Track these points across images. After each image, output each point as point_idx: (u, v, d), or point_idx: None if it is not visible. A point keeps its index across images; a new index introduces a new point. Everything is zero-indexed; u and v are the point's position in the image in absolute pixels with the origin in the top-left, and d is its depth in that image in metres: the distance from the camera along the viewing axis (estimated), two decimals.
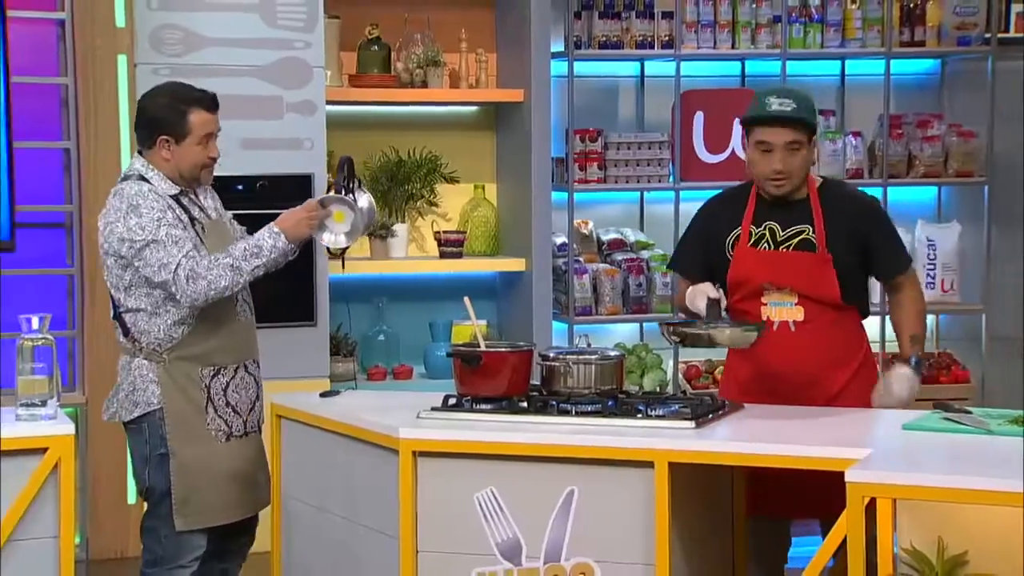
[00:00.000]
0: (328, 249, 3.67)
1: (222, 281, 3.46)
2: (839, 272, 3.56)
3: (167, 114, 3.54)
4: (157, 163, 3.56)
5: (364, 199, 3.65)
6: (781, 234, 3.59)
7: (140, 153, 3.61)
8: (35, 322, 3.31)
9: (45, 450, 3.22)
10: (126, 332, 3.55)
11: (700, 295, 3.53)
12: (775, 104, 3.53)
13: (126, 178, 3.58)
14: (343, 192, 3.59)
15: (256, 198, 5.06)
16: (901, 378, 3.57)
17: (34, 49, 5.07)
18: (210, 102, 3.59)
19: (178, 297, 3.46)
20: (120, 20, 4.96)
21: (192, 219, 3.58)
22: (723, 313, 3.56)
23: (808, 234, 3.57)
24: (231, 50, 5.05)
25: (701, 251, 3.72)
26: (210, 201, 3.70)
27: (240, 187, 5.04)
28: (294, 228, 3.54)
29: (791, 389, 3.57)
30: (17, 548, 3.20)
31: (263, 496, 3.74)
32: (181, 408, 3.52)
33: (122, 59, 4.96)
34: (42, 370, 3.26)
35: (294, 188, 5.10)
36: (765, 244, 3.60)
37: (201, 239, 3.56)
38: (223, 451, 3.58)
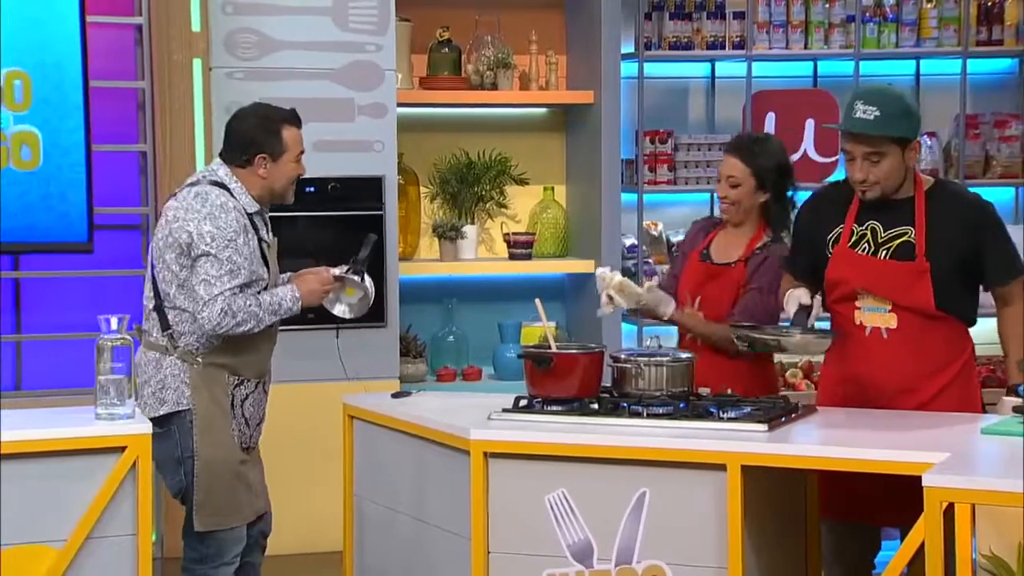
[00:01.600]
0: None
1: (245, 326, 3.55)
2: (938, 279, 3.45)
3: (262, 133, 3.63)
4: (249, 180, 3.61)
5: (369, 281, 3.79)
6: (883, 235, 3.50)
7: (230, 167, 3.64)
8: (114, 322, 3.36)
9: (123, 449, 3.27)
10: (165, 327, 3.58)
11: (793, 300, 3.49)
12: (859, 111, 3.42)
13: (203, 181, 3.61)
14: (362, 268, 3.75)
15: (328, 200, 5.11)
16: (1011, 409, 3.40)
17: (112, 54, 5.15)
18: (298, 120, 3.69)
19: (200, 318, 3.51)
20: (196, 24, 5.03)
21: (260, 239, 3.64)
22: (811, 320, 3.50)
23: (909, 236, 3.47)
24: (304, 53, 5.10)
25: (806, 249, 3.64)
26: (267, 222, 3.76)
27: (312, 189, 5.08)
28: (308, 297, 3.68)
29: (883, 396, 3.50)
30: (96, 546, 3.25)
31: (260, 504, 3.76)
32: (210, 411, 3.56)
33: (197, 63, 5.02)
34: (120, 370, 3.31)
35: (365, 190, 5.14)
36: (865, 244, 3.51)
37: (265, 258, 3.64)
38: (240, 458, 3.63)
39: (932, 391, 3.50)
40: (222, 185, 3.58)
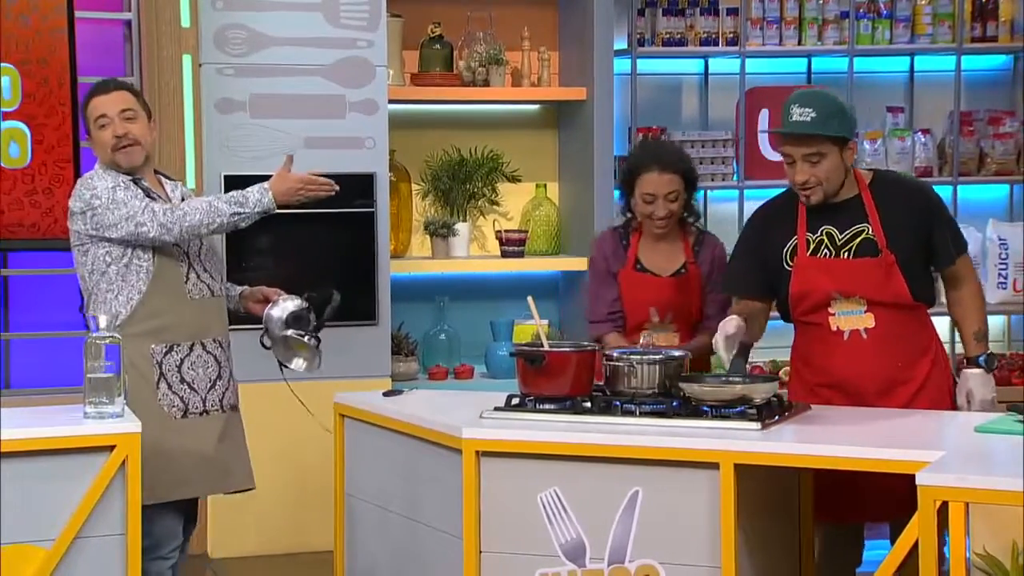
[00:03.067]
0: (281, 364, 3.71)
1: (196, 215, 3.51)
2: (904, 268, 3.49)
3: (82, 109, 3.72)
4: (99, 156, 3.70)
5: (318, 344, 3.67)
6: (840, 237, 3.51)
7: None
8: (102, 321, 3.34)
9: (112, 448, 3.24)
10: (87, 326, 3.58)
11: (724, 344, 3.38)
12: (795, 114, 3.45)
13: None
14: (317, 329, 3.64)
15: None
16: (977, 380, 3.49)
17: (101, 49, 5.13)
18: (103, 88, 3.70)
19: (151, 234, 3.50)
20: (185, 20, 5.00)
21: (150, 196, 3.62)
22: (746, 364, 3.47)
23: (867, 233, 3.49)
24: (295, 49, 5.07)
25: (758, 267, 3.62)
26: (177, 193, 3.75)
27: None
28: (285, 194, 3.60)
29: (869, 395, 3.51)
30: (85, 545, 3.23)
31: (233, 479, 3.69)
32: (130, 383, 3.50)
33: (187, 59, 5.00)
34: (110, 368, 3.28)
35: (356, 187, 5.11)
36: (825, 250, 3.52)
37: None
38: (177, 427, 3.59)
39: (917, 383, 3.52)
40: (97, 166, 3.67)
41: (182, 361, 3.62)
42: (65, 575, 3.20)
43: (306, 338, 3.63)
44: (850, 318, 3.49)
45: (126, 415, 3.34)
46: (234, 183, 5.01)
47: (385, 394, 3.82)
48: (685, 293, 3.89)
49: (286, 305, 3.67)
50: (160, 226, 3.51)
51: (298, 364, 3.68)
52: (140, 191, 3.59)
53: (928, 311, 3.61)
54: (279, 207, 3.60)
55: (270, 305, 3.71)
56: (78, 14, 4.86)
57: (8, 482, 3.18)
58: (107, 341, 3.29)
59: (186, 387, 3.61)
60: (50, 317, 5.04)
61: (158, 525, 3.55)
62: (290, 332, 3.62)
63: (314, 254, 5.11)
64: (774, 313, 3.72)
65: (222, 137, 5.03)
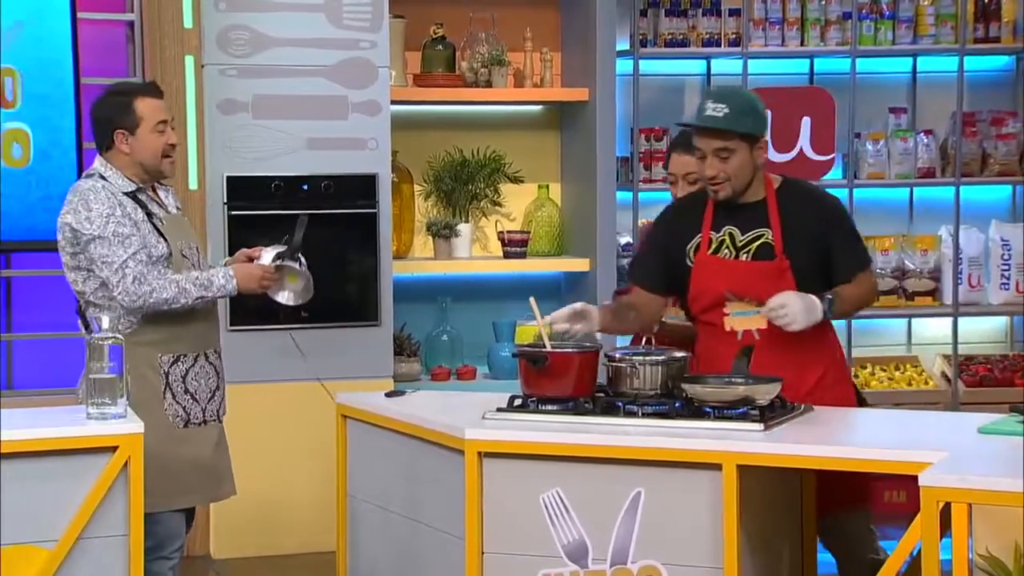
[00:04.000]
0: (292, 307, 3.86)
1: (164, 293, 3.55)
2: (799, 275, 3.50)
3: (115, 109, 3.62)
4: (119, 161, 3.63)
5: (304, 265, 3.79)
6: (740, 238, 3.55)
7: (100, 155, 3.67)
8: (105, 322, 3.34)
9: (115, 449, 3.24)
10: (87, 326, 3.62)
11: (567, 315, 3.45)
12: (709, 109, 3.49)
13: (87, 177, 3.65)
14: (298, 252, 3.75)
15: (321, 198, 5.08)
16: (799, 298, 3.41)
17: (104, 50, 5.13)
18: (154, 90, 3.67)
19: (116, 295, 3.53)
20: (188, 21, 5.00)
21: (149, 213, 3.63)
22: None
23: (767, 237, 3.53)
24: (297, 50, 5.08)
25: (662, 261, 3.64)
26: (171, 199, 3.76)
27: (305, 187, 5.07)
28: (245, 281, 3.67)
29: None
30: (88, 546, 3.23)
31: (225, 488, 3.76)
32: (138, 393, 3.53)
33: (190, 60, 5.00)
34: (112, 369, 3.28)
35: (358, 188, 5.12)
36: (726, 250, 3.56)
37: (160, 232, 3.63)
38: (180, 436, 3.61)
39: (809, 384, 3.52)
40: (101, 176, 3.61)
41: (187, 372, 3.64)
42: (68, 575, 3.21)
43: (288, 262, 3.74)
44: (744, 319, 3.51)
45: (128, 416, 3.34)
46: (236, 184, 5.04)
47: (387, 395, 3.82)
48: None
49: (269, 251, 3.77)
50: (128, 294, 3.52)
51: (284, 297, 3.79)
52: (133, 218, 3.57)
53: (830, 324, 3.59)
54: (240, 293, 3.68)
55: (256, 259, 3.78)
56: (81, 15, 4.86)
57: (11, 483, 3.18)
58: (110, 342, 3.29)
59: (189, 398, 3.64)
60: (52, 318, 5.04)
61: (161, 526, 3.56)
62: (276, 263, 3.74)
63: (316, 255, 5.10)
64: None
65: (225, 138, 5.04)
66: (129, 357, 3.50)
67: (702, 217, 3.59)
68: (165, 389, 3.60)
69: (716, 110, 3.48)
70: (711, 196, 3.56)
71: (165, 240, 3.63)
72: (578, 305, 3.52)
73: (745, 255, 3.54)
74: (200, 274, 3.63)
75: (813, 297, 3.43)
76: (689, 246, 3.60)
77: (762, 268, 3.52)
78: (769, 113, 5.44)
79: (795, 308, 3.40)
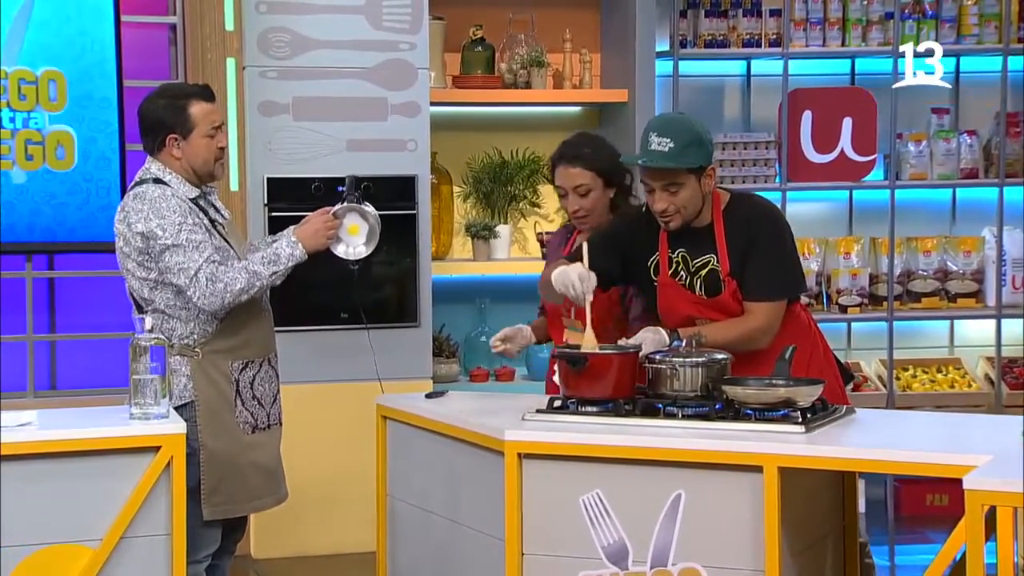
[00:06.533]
0: (347, 260, 3.79)
1: (238, 284, 3.51)
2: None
3: (168, 112, 3.57)
4: (170, 164, 3.59)
5: (371, 209, 3.76)
6: (692, 263, 3.57)
7: (152, 157, 3.62)
8: (148, 322, 3.37)
9: (158, 449, 3.27)
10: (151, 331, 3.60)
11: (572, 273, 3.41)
12: (654, 143, 3.46)
13: (142, 182, 3.60)
14: (351, 198, 3.71)
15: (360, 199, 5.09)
16: (653, 336, 3.44)
17: (146, 53, 5.17)
18: (207, 94, 3.63)
19: (195, 300, 3.50)
20: (229, 24, 5.03)
21: (212, 221, 3.62)
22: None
23: (713, 263, 3.54)
24: (337, 52, 5.10)
25: (616, 257, 3.61)
26: (220, 203, 3.75)
27: (344, 188, 5.07)
28: (312, 239, 3.63)
29: None
30: (130, 545, 3.25)
31: (283, 490, 3.77)
32: (212, 401, 3.56)
33: (231, 62, 5.03)
34: (155, 369, 3.31)
35: (398, 189, 5.13)
36: (683, 272, 3.58)
37: (225, 239, 3.62)
38: (248, 442, 3.63)
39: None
40: (159, 180, 3.58)
41: (254, 378, 3.65)
42: (111, 575, 3.23)
43: (355, 202, 3.73)
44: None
45: (171, 416, 3.36)
46: (276, 185, 5.06)
47: (427, 396, 3.83)
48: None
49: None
50: (205, 296, 3.48)
51: (342, 251, 3.75)
52: (202, 224, 3.55)
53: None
54: (310, 254, 3.63)
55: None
56: (124, 18, 4.90)
57: (54, 482, 3.21)
58: (152, 342, 3.31)
59: (256, 403, 3.66)
60: (96, 318, 5.09)
61: (198, 533, 3.56)
62: (346, 208, 3.71)
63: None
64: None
65: (265, 139, 5.06)
66: (203, 366, 3.55)
67: (659, 233, 3.60)
68: (236, 396, 3.61)
69: (661, 144, 3.45)
70: (663, 227, 3.56)
71: (231, 246, 3.63)
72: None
73: (698, 281, 3.57)
74: (263, 251, 3.60)
75: (665, 337, 3.43)
76: (650, 262, 3.62)
77: (719, 301, 3.54)
78: (810, 113, 5.46)
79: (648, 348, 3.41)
